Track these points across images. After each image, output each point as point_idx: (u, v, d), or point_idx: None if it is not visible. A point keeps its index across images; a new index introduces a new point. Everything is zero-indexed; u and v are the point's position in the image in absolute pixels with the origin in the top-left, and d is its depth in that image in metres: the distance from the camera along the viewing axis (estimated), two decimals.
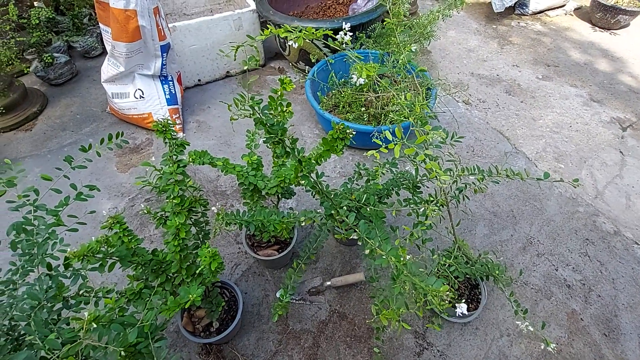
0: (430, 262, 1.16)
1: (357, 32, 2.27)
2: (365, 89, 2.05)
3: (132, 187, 1.95)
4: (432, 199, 1.02)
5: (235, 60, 2.39)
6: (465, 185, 1.09)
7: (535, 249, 1.66)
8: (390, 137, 0.89)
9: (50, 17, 2.51)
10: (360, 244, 0.85)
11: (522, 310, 1.10)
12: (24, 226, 0.92)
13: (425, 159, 0.72)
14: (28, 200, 0.93)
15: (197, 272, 0.98)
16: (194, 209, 1.06)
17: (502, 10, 3.12)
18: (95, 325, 0.75)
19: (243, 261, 1.63)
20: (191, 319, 1.32)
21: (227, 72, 2.67)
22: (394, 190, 1.31)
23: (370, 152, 0.75)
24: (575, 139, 2.18)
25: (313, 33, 0.86)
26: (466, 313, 0.79)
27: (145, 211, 1.19)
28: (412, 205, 1.05)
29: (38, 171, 2.01)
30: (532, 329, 1.04)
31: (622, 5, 3.04)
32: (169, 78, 2.20)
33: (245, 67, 0.63)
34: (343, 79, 2.17)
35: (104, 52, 2.86)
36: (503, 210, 1.81)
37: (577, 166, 2.03)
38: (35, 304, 0.83)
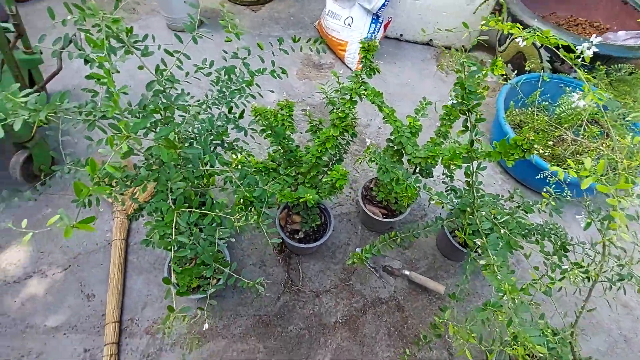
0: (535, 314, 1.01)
1: (597, 63, 1.90)
2: (564, 126, 1.76)
3: (302, 92, 2.16)
4: (580, 265, 0.86)
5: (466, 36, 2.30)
6: (631, 276, 0.87)
7: None
8: (574, 174, 0.75)
9: None
10: (469, 256, 0.79)
11: None
12: (229, 73, 1.12)
13: (617, 203, 0.59)
14: (240, 56, 1.11)
15: (321, 182, 1.06)
16: (347, 131, 1.12)
17: None
18: (239, 167, 0.90)
19: (347, 204, 1.70)
20: (286, 219, 1.46)
21: (430, 40, 2.60)
22: (535, 235, 1.15)
23: None
24: None
25: (547, 38, 0.75)
26: None
27: (306, 114, 1.32)
28: (552, 258, 0.91)
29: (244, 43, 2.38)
30: None
31: None
32: (380, 20, 2.26)
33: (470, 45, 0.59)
34: (545, 102, 1.90)
35: None
36: None
37: None
38: (209, 128, 1.04)
